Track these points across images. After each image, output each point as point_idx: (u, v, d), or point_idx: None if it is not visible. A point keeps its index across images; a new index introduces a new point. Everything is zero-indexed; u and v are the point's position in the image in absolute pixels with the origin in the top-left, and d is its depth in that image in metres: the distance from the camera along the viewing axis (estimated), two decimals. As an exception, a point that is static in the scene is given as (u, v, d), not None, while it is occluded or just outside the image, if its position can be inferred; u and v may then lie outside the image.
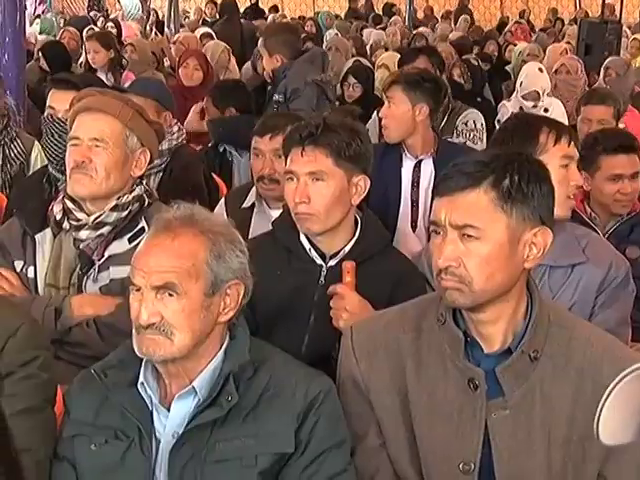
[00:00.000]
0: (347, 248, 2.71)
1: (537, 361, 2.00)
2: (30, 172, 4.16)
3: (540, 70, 6.45)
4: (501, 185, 1.94)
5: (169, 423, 2.06)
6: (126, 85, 5.72)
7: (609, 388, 1.34)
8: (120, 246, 2.79)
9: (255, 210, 3.59)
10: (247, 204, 3.62)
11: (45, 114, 3.65)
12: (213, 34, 9.83)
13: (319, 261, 2.71)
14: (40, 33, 11.36)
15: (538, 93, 6.18)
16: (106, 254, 2.79)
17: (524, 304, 2.04)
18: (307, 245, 2.72)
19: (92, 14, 14.15)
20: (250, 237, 3.12)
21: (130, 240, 2.78)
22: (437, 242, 1.98)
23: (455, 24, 15.97)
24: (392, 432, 2.11)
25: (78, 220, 2.80)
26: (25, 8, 5.31)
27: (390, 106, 4.10)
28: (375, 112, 5.24)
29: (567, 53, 8.26)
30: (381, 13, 17.70)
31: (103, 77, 6.79)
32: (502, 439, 2.00)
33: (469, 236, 1.93)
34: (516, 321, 2.02)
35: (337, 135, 2.62)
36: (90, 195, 2.80)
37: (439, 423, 2.04)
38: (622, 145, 3.67)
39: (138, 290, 2.04)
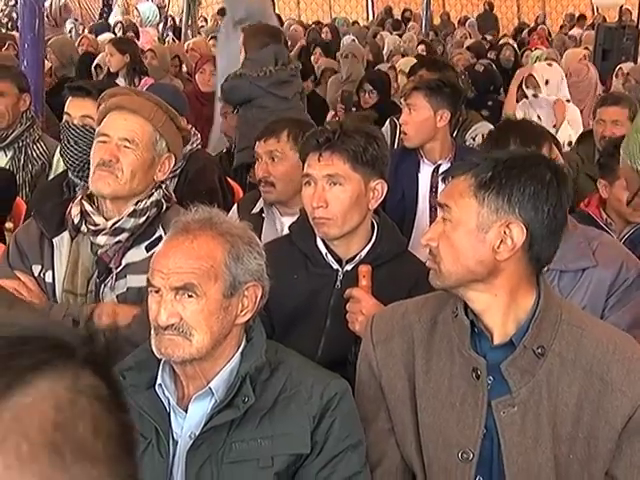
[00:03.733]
0: (363, 253, 2.72)
1: (543, 357, 2.00)
2: (52, 174, 4.21)
3: (549, 64, 6.44)
4: (482, 175, 1.99)
5: (186, 424, 2.07)
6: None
7: None
8: (137, 254, 2.78)
9: (264, 215, 3.60)
10: (256, 210, 3.63)
11: (63, 121, 3.68)
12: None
13: (335, 265, 2.72)
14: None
15: (535, 79, 6.17)
16: (123, 262, 2.78)
17: (528, 300, 2.04)
18: (324, 249, 2.73)
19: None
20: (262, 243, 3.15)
21: (147, 248, 2.77)
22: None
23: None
24: (400, 418, 2.15)
25: (96, 224, 2.79)
26: (43, 14, 5.31)
27: (411, 113, 4.10)
28: (388, 121, 5.25)
29: (586, 59, 8.24)
30: (400, 19, 17.74)
31: (122, 82, 6.86)
32: (511, 436, 2.01)
33: (445, 219, 2.01)
34: (517, 315, 2.03)
35: (354, 140, 2.63)
36: (112, 194, 2.78)
37: (442, 411, 2.08)
38: None
39: (157, 292, 2.05)
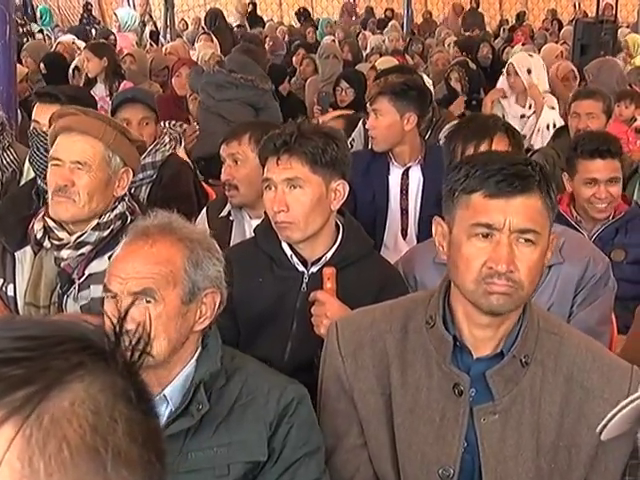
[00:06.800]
0: (329, 254, 2.69)
1: (528, 366, 1.98)
2: (23, 181, 4.17)
3: (530, 55, 6.43)
4: (548, 193, 1.93)
5: (141, 433, 2.04)
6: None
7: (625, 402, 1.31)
8: (101, 264, 2.74)
9: (231, 218, 3.58)
10: (224, 213, 3.60)
11: (31, 128, 3.65)
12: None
13: (301, 268, 2.69)
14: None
15: (514, 67, 6.18)
16: (86, 272, 2.76)
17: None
18: (289, 252, 2.70)
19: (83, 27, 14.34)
20: (231, 245, 3.13)
21: (110, 258, 2.75)
22: (483, 245, 1.91)
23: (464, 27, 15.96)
24: (374, 433, 2.09)
25: (60, 239, 2.77)
26: (14, 21, 5.27)
27: (377, 117, 4.05)
28: (360, 122, 5.24)
29: (562, 55, 8.23)
30: (382, 18, 17.77)
31: (102, 86, 6.86)
32: (491, 444, 1.98)
33: (527, 240, 1.90)
34: (511, 326, 2.00)
35: (312, 142, 2.60)
36: (72, 219, 2.77)
37: (420, 427, 2.03)
38: (598, 149, 3.66)
39: (114, 297, 2.02)
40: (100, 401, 0.71)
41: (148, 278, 2.00)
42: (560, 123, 5.95)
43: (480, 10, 18.60)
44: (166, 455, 0.76)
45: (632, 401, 1.24)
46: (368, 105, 4.16)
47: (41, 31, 12.99)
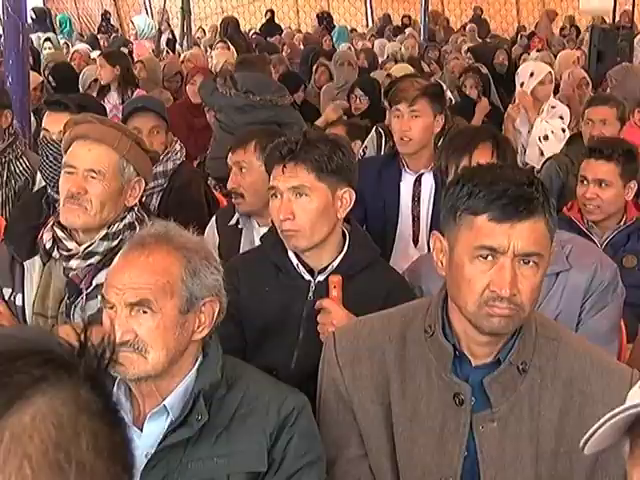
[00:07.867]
0: (335, 263, 2.68)
1: (525, 373, 1.97)
2: (36, 189, 4.19)
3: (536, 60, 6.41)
4: (552, 214, 1.92)
5: (142, 443, 2.02)
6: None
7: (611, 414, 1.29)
8: None
9: (240, 226, 3.58)
10: (232, 221, 3.60)
11: (40, 136, 3.65)
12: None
13: (307, 277, 2.68)
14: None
15: (550, 73, 6.15)
16: (94, 283, 2.74)
17: None
18: (295, 261, 2.69)
19: (99, 35, 14.46)
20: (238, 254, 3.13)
21: None
22: (486, 268, 1.89)
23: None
24: (374, 443, 2.08)
25: (68, 250, 2.76)
26: (27, 30, 5.29)
27: (416, 118, 3.97)
28: (374, 129, 5.21)
29: (578, 62, 8.21)
30: (399, 25, 17.79)
31: (114, 95, 6.90)
32: (489, 452, 1.97)
33: (531, 263, 1.89)
34: (507, 337, 1.99)
35: (317, 150, 2.59)
36: (83, 226, 2.76)
37: (421, 436, 2.01)
38: (592, 148, 3.73)
39: (112, 308, 2.01)
40: (63, 414, 0.69)
41: (145, 289, 1.99)
42: (565, 131, 5.90)
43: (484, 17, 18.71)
44: (134, 467, 0.75)
45: (615, 415, 1.22)
46: (404, 107, 4.03)
47: (66, 44, 13.07)
